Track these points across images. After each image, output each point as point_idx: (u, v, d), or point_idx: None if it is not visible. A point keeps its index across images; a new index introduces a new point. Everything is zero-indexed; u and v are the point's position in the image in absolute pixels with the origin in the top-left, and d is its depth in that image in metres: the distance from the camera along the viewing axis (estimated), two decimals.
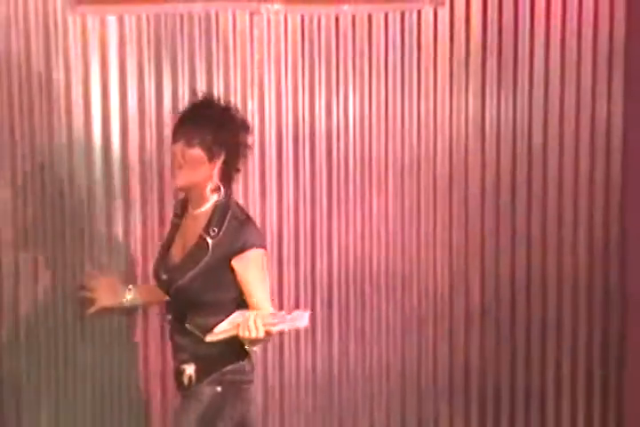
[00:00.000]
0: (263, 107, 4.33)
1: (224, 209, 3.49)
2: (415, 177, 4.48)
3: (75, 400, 4.34)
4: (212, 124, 3.41)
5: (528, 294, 4.57)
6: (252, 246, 3.42)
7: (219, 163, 3.43)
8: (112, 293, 3.89)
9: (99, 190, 4.23)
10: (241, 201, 4.31)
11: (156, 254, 3.62)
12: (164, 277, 3.51)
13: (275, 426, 4.49)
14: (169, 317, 3.56)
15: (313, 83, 4.36)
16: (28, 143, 4.23)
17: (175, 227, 3.62)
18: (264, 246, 3.48)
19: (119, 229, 4.27)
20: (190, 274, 3.44)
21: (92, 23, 4.23)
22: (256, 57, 4.32)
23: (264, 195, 4.37)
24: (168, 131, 4.19)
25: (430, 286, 4.55)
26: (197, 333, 3.45)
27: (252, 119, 4.31)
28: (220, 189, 3.48)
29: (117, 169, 4.25)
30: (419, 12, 4.40)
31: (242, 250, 3.41)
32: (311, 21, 4.34)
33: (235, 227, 3.47)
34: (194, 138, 3.39)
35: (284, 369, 4.47)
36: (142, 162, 4.26)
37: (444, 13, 4.42)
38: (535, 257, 4.56)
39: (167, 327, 3.59)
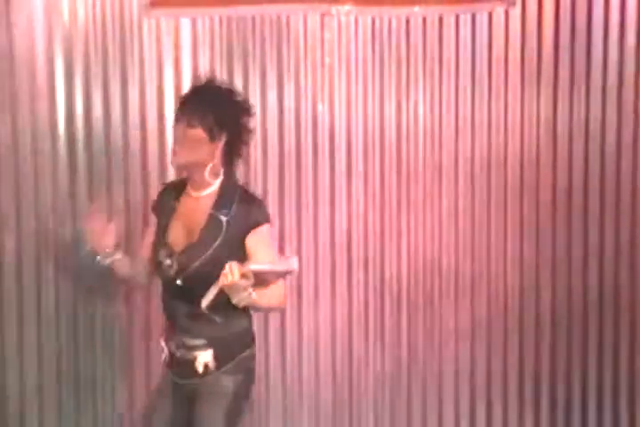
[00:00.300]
0: (333, 109, 4.35)
1: (233, 189, 3.51)
2: (485, 179, 4.46)
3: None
4: (214, 106, 3.40)
5: (600, 299, 4.54)
6: (263, 222, 3.45)
7: (220, 144, 3.42)
8: (103, 237, 3.63)
9: None
10: (310, 204, 4.36)
11: (148, 240, 3.56)
12: (168, 261, 3.46)
13: (344, 424, 4.50)
14: (173, 302, 3.48)
15: (383, 84, 4.36)
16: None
17: (170, 210, 3.55)
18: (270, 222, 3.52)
19: None
20: (206, 255, 3.42)
21: (166, 26, 4.28)
22: (326, 59, 4.33)
23: (333, 197, 4.38)
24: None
25: (500, 289, 4.53)
26: (212, 315, 3.45)
27: (322, 121, 4.33)
28: (220, 172, 3.47)
29: None
30: (490, 14, 4.38)
31: (255, 226, 3.45)
32: (382, 23, 4.34)
33: (246, 205, 3.49)
34: (195, 118, 3.38)
35: (352, 369, 4.47)
36: None
37: (515, 14, 4.39)
38: (608, 265, 4.51)
39: (166, 313, 3.52)
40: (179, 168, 3.55)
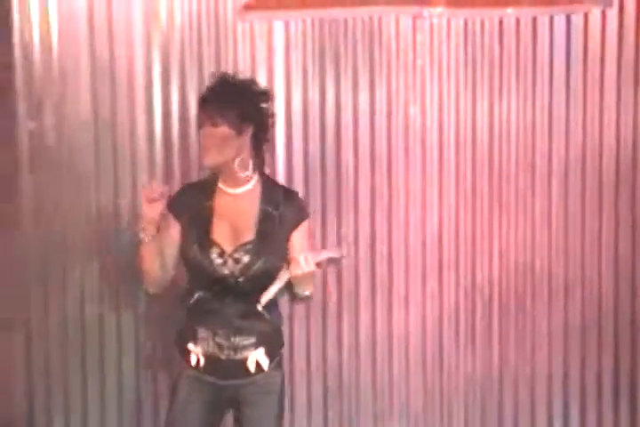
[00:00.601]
0: (425, 111, 4.34)
1: (274, 182, 3.56)
2: (580, 180, 4.41)
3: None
4: (233, 100, 3.39)
5: None
6: (307, 216, 3.54)
7: (247, 137, 3.42)
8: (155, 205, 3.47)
9: None
10: (402, 205, 4.36)
11: (194, 244, 3.46)
12: (220, 260, 3.44)
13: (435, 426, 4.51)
14: (220, 302, 3.46)
15: (475, 86, 4.34)
16: None
17: (206, 210, 3.49)
18: None
19: None
20: (268, 251, 3.44)
21: (260, 29, 4.32)
22: (418, 61, 4.32)
23: (424, 199, 4.37)
24: (331, 136, 4.31)
25: (595, 291, 4.47)
26: (263, 312, 3.48)
27: (414, 123, 4.32)
28: (249, 165, 3.46)
29: (281, 172, 4.31)
30: (585, 15, 4.32)
31: (302, 220, 3.52)
32: (474, 25, 4.32)
33: (292, 199, 3.55)
34: (217, 116, 3.36)
35: (443, 372, 4.46)
36: (306, 165, 4.32)
37: (612, 15, 4.33)
38: None
39: (203, 316, 3.48)
40: (211, 170, 3.51)
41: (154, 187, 3.46)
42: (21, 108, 4.12)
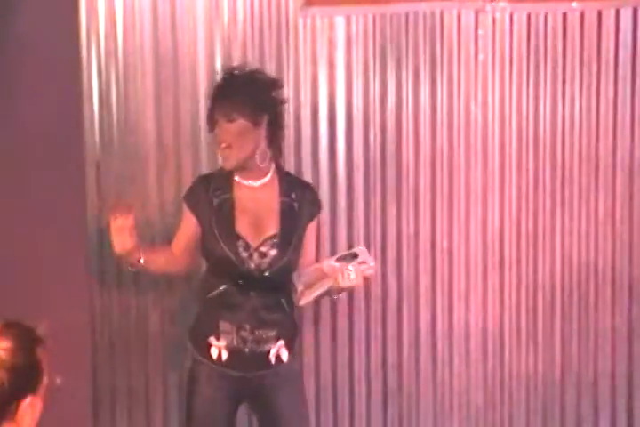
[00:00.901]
0: (486, 106, 4.29)
1: (289, 173, 3.60)
2: None
3: None
4: (245, 92, 3.39)
5: None
6: (321, 209, 3.63)
7: (264, 126, 3.42)
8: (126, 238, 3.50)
9: (323, 189, 4.27)
10: (462, 202, 4.32)
11: (218, 238, 3.46)
12: (245, 254, 3.45)
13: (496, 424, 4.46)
14: (245, 295, 3.46)
15: (538, 81, 4.28)
16: None
17: (226, 202, 3.49)
18: None
19: (343, 227, 4.32)
20: (293, 244, 3.47)
21: (321, 24, 4.31)
22: (480, 56, 4.28)
23: (485, 196, 4.32)
24: (390, 131, 4.28)
25: None
26: (284, 304, 3.51)
27: (475, 119, 4.28)
28: (267, 155, 3.48)
29: (342, 168, 4.30)
30: None
31: (317, 213, 3.59)
32: (537, 19, 4.27)
33: (308, 190, 3.60)
34: (232, 112, 3.36)
35: (504, 371, 4.42)
36: (366, 161, 4.29)
37: None
38: None
39: (225, 310, 3.48)
40: (235, 169, 3.50)
41: (120, 208, 3.48)
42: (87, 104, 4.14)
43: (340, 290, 3.49)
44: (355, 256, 3.48)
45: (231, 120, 3.38)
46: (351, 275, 3.40)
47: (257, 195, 3.52)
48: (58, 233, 3.75)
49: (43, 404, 2.05)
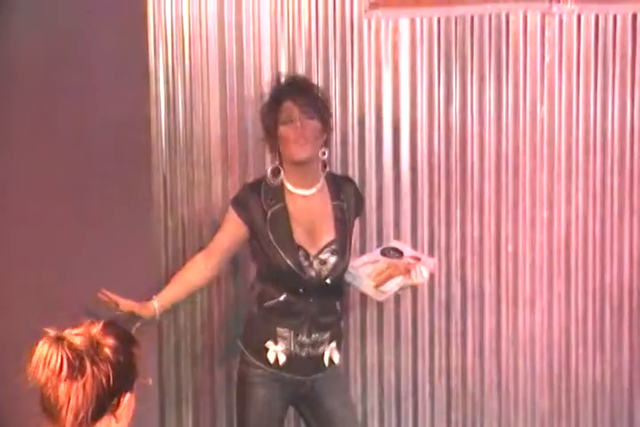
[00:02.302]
0: (553, 109, 4.24)
1: (333, 173, 3.66)
2: None
3: None
4: (318, 96, 3.50)
5: None
6: (364, 200, 3.77)
7: (327, 131, 3.53)
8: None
9: (387, 193, 4.26)
10: (528, 206, 4.27)
11: (278, 248, 3.48)
12: (306, 263, 3.47)
13: None
14: (304, 302, 3.49)
15: (606, 84, 4.23)
16: None
17: (283, 213, 3.50)
18: None
19: (407, 231, 4.30)
20: (348, 249, 3.52)
21: (385, 27, 4.29)
22: (547, 58, 4.23)
23: (551, 198, 4.27)
24: (455, 134, 4.25)
25: None
26: (339, 308, 3.58)
27: (541, 121, 4.24)
28: (324, 162, 3.58)
29: (406, 172, 4.27)
30: None
31: (362, 206, 3.71)
32: (606, 20, 4.21)
33: (350, 185, 3.66)
34: (311, 110, 3.45)
35: (570, 377, 4.36)
36: (431, 165, 4.26)
37: None
38: None
39: (282, 317, 3.51)
40: (302, 163, 3.52)
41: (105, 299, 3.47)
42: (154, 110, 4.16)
43: (411, 287, 3.64)
44: (396, 250, 3.61)
45: (311, 117, 3.47)
46: (424, 272, 3.52)
47: (310, 202, 3.55)
48: (124, 238, 3.78)
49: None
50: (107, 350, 2.04)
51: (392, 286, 3.54)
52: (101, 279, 3.70)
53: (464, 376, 4.33)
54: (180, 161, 4.03)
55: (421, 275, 3.52)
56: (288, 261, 3.47)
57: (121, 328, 2.13)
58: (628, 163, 4.27)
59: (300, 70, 4.24)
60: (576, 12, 4.21)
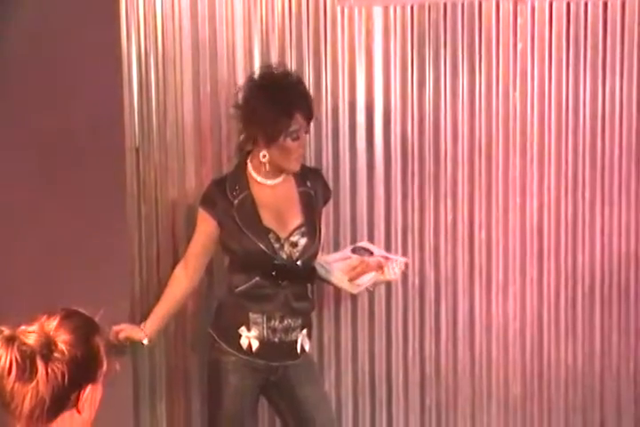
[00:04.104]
0: (525, 96, 4.27)
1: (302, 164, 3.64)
2: None
3: None
4: (310, 104, 3.54)
5: None
6: (331, 192, 3.76)
7: None
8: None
9: (361, 180, 4.26)
10: (501, 192, 4.28)
11: (247, 233, 3.51)
12: (277, 246, 3.50)
13: (534, 419, 4.42)
14: (277, 286, 3.51)
15: (577, 70, 4.27)
16: None
17: (249, 200, 3.54)
18: None
19: (381, 217, 4.30)
20: (318, 231, 3.56)
21: (359, 14, 4.29)
22: (519, 45, 4.26)
23: (524, 185, 4.30)
24: (429, 121, 4.26)
25: None
26: (310, 294, 3.62)
27: (514, 108, 4.26)
28: None
29: (379, 159, 4.27)
30: None
31: (329, 196, 3.72)
32: (577, 7, 4.24)
33: (318, 175, 3.70)
34: (310, 111, 3.51)
35: (542, 363, 4.39)
36: (404, 152, 4.27)
37: None
38: None
39: (257, 301, 3.53)
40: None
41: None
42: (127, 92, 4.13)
43: (382, 282, 3.73)
44: (366, 250, 3.72)
45: (309, 119, 3.54)
46: (396, 269, 3.62)
47: (277, 190, 3.60)
48: (97, 220, 3.77)
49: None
50: (62, 347, 1.97)
51: (366, 280, 3.64)
52: (75, 267, 3.69)
53: (437, 362, 4.34)
54: (153, 144, 4.01)
55: (394, 271, 3.63)
56: (259, 244, 3.51)
57: (81, 318, 2.05)
58: (600, 148, 4.31)
59: (274, 58, 4.24)
60: (548, 0, 4.24)
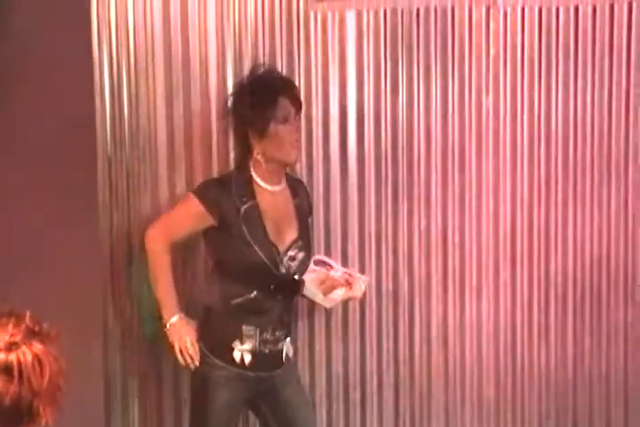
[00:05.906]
0: (498, 101, 4.27)
1: (286, 173, 3.65)
2: None
3: None
4: (292, 81, 3.62)
5: None
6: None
7: None
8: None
9: (334, 185, 4.25)
10: (474, 196, 4.30)
11: (257, 246, 3.47)
12: (277, 259, 3.48)
13: (507, 422, 4.44)
14: (272, 299, 3.50)
15: (550, 75, 4.27)
16: None
17: (255, 210, 3.47)
18: None
19: (355, 222, 4.31)
20: (311, 246, 3.60)
21: (332, 19, 4.29)
22: (491, 50, 4.27)
23: (497, 189, 4.31)
24: (402, 126, 4.25)
25: None
26: (294, 306, 3.67)
27: (487, 113, 4.27)
28: None
29: (353, 164, 4.27)
30: None
31: (312, 206, 3.74)
32: (549, 13, 4.25)
33: (303, 186, 3.73)
34: (296, 96, 3.53)
35: (516, 366, 4.41)
36: (377, 156, 4.27)
37: None
38: None
39: (250, 314, 3.52)
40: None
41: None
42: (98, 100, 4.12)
43: (350, 299, 3.82)
44: (324, 263, 3.78)
45: (300, 117, 3.60)
46: (363, 287, 3.73)
47: (276, 200, 3.56)
48: (69, 228, 3.76)
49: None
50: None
51: (338, 295, 3.73)
52: (46, 275, 3.69)
53: (411, 366, 4.36)
54: (125, 153, 4.01)
55: (360, 289, 3.73)
56: (264, 258, 3.45)
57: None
58: (572, 154, 4.32)
59: (247, 63, 4.23)
60: (520, 5, 4.24)
